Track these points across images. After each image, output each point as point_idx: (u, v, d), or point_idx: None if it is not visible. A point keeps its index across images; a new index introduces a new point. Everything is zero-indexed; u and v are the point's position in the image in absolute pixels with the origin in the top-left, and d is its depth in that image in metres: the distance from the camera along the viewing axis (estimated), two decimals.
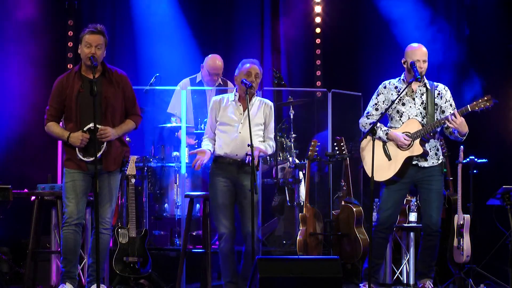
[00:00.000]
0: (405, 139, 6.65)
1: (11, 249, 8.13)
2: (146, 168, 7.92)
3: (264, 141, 6.56)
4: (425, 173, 6.72)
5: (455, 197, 7.75)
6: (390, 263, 7.65)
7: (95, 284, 6.13)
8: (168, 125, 8.20)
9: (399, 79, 6.86)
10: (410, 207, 7.76)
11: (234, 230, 6.47)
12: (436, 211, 6.71)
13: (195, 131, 8.17)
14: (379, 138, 6.72)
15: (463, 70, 9.07)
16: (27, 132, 8.89)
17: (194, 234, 7.96)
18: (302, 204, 8.13)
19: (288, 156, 8.40)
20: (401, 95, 6.70)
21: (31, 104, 8.76)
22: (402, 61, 6.79)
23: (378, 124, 6.65)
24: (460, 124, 6.55)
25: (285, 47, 9.93)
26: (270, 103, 6.63)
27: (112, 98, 6.26)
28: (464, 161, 7.68)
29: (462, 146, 7.62)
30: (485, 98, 6.54)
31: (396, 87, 6.83)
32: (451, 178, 8.05)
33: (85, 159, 6.21)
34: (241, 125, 6.47)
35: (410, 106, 6.75)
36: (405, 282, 7.70)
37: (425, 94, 6.75)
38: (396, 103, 6.72)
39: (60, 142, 7.56)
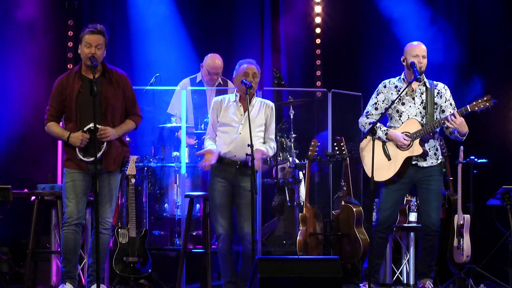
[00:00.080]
0: (404, 139, 6.65)
1: (11, 249, 8.13)
2: (146, 168, 7.92)
3: (264, 143, 6.56)
4: (424, 173, 6.72)
5: (455, 197, 7.75)
6: (390, 263, 7.64)
7: (95, 284, 6.13)
8: (168, 125, 8.19)
9: (399, 78, 6.85)
10: (410, 207, 7.76)
11: (231, 230, 6.48)
12: (435, 211, 6.71)
13: (195, 131, 8.17)
14: (379, 138, 6.71)
15: (463, 70, 9.06)
16: (27, 132, 8.88)
17: (194, 234, 7.95)
18: (302, 204, 8.12)
19: (288, 156, 8.39)
20: (401, 95, 6.70)
21: (31, 104, 8.76)
22: (402, 59, 6.78)
23: (378, 124, 6.65)
24: (459, 124, 6.54)
25: (285, 47, 9.92)
26: (271, 104, 6.63)
27: (112, 98, 6.26)
28: (464, 161, 7.67)
29: (462, 146, 7.61)
30: (485, 98, 6.54)
31: (396, 86, 6.82)
32: (451, 178, 8.04)
33: (85, 159, 6.21)
34: (242, 126, 6.46)
35: (410, 106, 6.75)
36: (405, 282, 7.70)
37: (424, 93, 6.75)
38: (396, 103, 6.72)
39: (60, 142, 7.55)
